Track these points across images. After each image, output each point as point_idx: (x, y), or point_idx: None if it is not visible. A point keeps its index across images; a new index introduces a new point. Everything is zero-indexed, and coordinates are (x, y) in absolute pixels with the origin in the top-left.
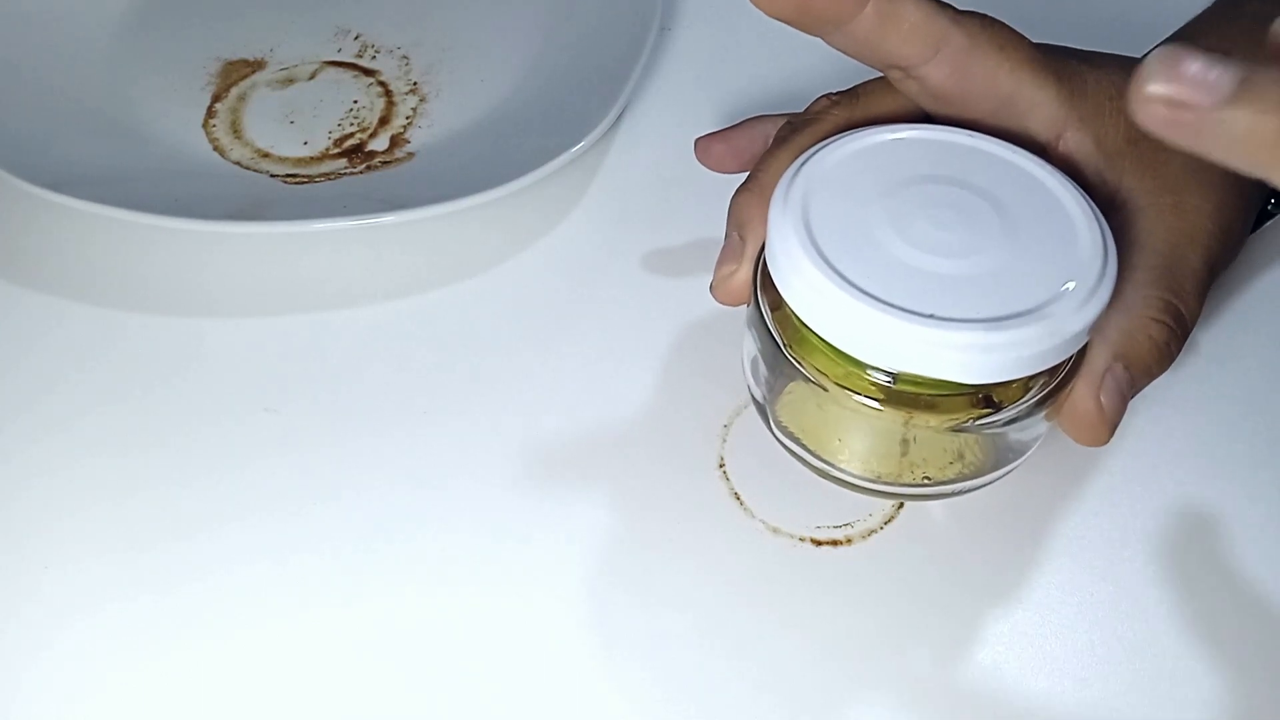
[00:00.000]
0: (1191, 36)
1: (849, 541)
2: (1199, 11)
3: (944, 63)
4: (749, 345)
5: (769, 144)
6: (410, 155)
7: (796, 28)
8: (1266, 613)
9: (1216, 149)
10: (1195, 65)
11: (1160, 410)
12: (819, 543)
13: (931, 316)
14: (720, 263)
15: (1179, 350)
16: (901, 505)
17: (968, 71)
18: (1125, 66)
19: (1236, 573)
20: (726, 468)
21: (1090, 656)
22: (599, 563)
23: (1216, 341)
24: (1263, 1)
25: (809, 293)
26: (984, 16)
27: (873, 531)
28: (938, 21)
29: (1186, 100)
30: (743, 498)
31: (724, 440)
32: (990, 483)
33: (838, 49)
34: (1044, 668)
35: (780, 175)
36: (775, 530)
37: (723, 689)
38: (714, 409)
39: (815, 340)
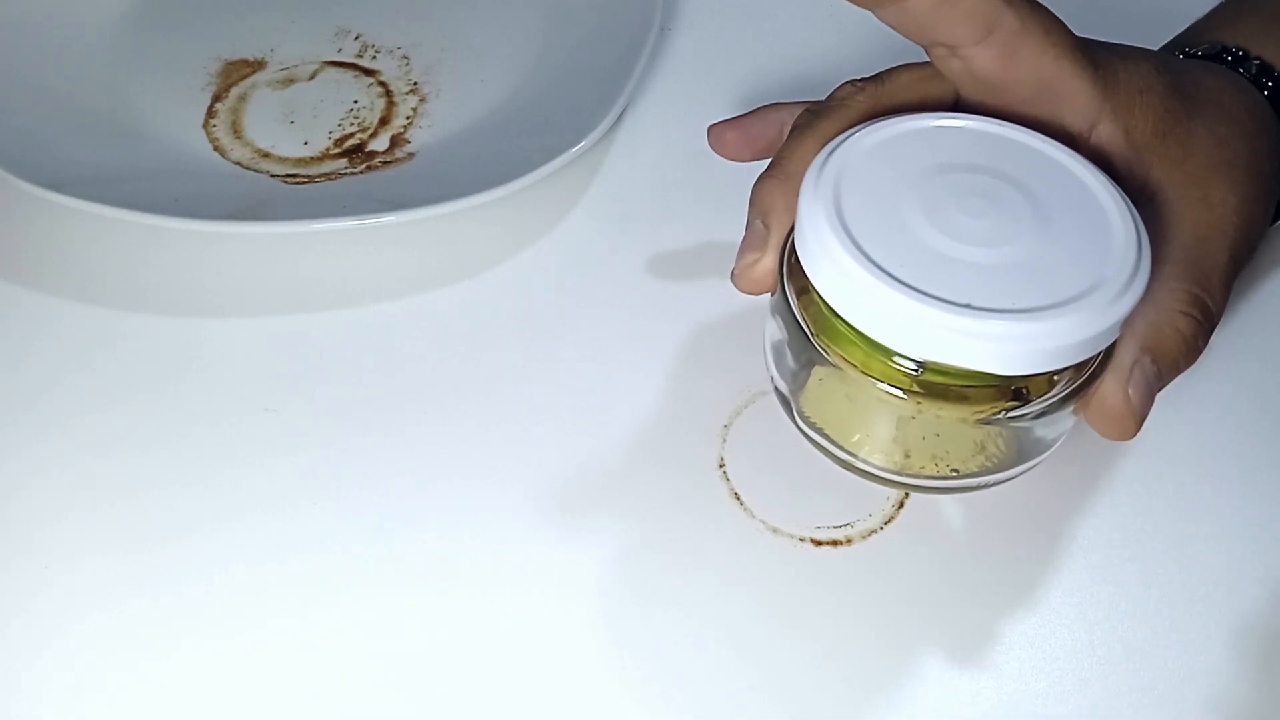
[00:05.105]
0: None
1: (849, 541)
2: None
3: (994, 44)
4: (772, 332)
5: (784, 132)
6: (410, 155)
7: (856, 4)
8: (1269, 614)
9: None
10: None
11: (1165, 409)
12: (819, 543)
13: (968, 306)
14: (743, 251)
15: (1205, 344)
16: (901, 505)
17: (1015, 55)
18: (1151, 59)
19: (1239, 574)
20: (726, 468)
21: (1091, 657)
22: (599, 562)
23: (1226, 339)
24: None
25: (840, 279)
26: (1032, 0)
27: (873, 531)
28: (993, 2)
29: None
30: (743, 498)
31: (724, 440)
32: (1015, 476)
33: (889, 24)
34: (1044, 668)
35: (806, 162)
36: (775, 530)
37: (722, 688)
38: (714, 409)
39: (843, 328)
